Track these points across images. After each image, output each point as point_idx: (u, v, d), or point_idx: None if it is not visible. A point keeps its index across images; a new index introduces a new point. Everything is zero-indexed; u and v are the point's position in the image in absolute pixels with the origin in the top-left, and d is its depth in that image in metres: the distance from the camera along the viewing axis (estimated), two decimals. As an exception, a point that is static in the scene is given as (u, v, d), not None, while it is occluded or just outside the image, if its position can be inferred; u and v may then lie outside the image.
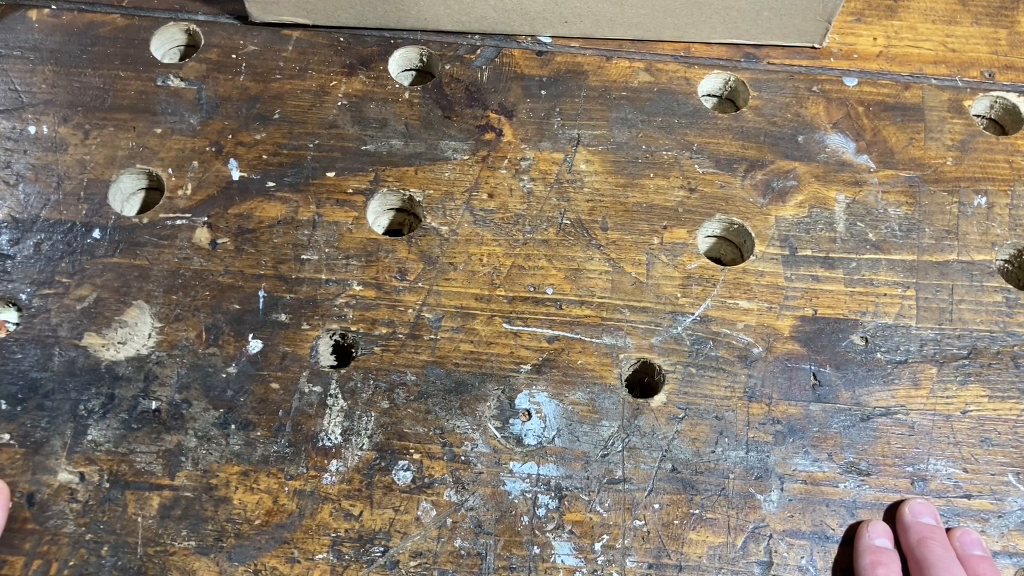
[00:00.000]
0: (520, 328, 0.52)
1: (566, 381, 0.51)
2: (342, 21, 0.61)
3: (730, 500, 0.48)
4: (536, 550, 0.46)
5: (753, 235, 0.56)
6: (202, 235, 0.54)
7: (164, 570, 0.45)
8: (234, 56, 0.60)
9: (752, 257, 0.55)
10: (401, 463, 0.48)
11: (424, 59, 0.62)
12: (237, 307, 0.52)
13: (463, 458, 0.48)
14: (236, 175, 0.56)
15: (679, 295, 0.54)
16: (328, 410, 0.49)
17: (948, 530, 0.47)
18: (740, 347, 0.52)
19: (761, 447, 0.50)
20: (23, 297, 0.51)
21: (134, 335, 0.51)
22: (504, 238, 0.55)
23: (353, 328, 0.51)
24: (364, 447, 0.48)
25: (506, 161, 0.57)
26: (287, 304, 0.52)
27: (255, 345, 0.51)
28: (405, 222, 0.58)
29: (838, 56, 0.63)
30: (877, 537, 0.46)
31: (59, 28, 0.60)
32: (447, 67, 0.61)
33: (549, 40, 0.62)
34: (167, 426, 0.48)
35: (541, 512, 0.47)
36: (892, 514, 0.48)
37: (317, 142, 0.57)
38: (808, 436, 0.50)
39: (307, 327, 0.51)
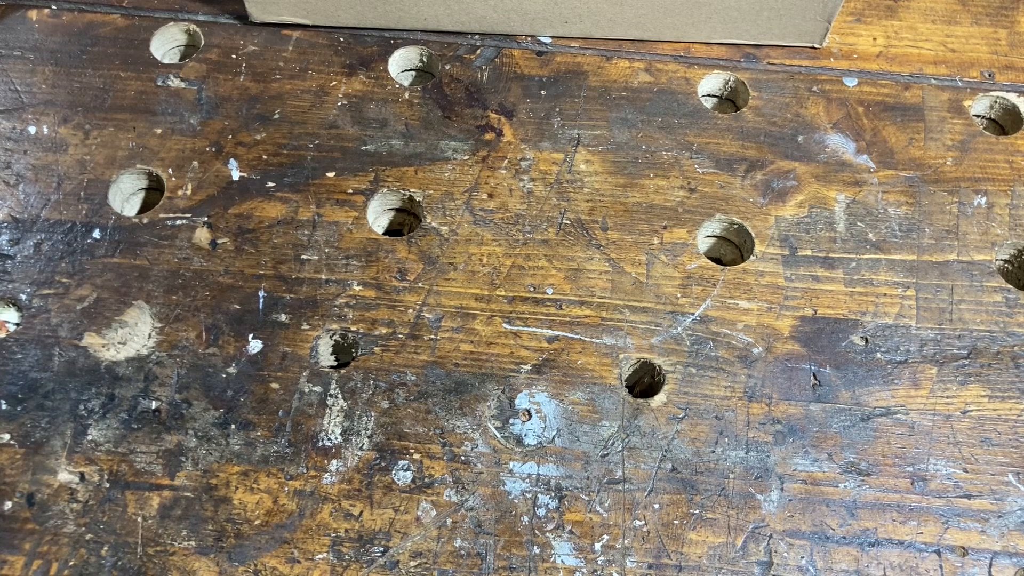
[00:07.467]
0: (520, 328, 0.52)
1: (566, 381, 0.51)
2: (342, 21, 0.61)
3: (730, 500, 0.48)
4: (536, 550, 0.46)
5: (753, 235, 0.56)
6: (202, 235, 0.54)
7: (164, 570, 0.45)
8: (234, 56, 0.60)
9: (752, 257, 0.55)
10: (401, 463, 0.48)
11: (424, 59, 0.62)
12: (237, 307, 0.52)
13: (463, 458, 0.48)
14: (236, 175, 0.56)
15: (679, 295, 0.54)
16: (328, 410, 0.49)
17: None
18: (740, 347, 0.52)
19: (761, 447, 0.50)
20: (23, 297, 0.51)
21: (134, 335, 0.51)
22: (504, 238, 0.55)
23: (353, 328, 0.51)
24: (364, 447, 0.48)
25: (506, 161, 0.57)
26: (287, 304, 0.52)
27: (255, 345, 0.51)
28: (405, 222, 0.58)
29: (838, 56, 0.63)
30: None
31: (59, 28, 0.60)
32: (447, 67, 0.61)
33: (549, 40, 0.62)
34: (167, 426, 0.48)
35: (541, 512, 0.47)
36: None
37: (317, 142, 0.57)
38: (808, 436, 0.50)
39: (307, 327, 0.51)
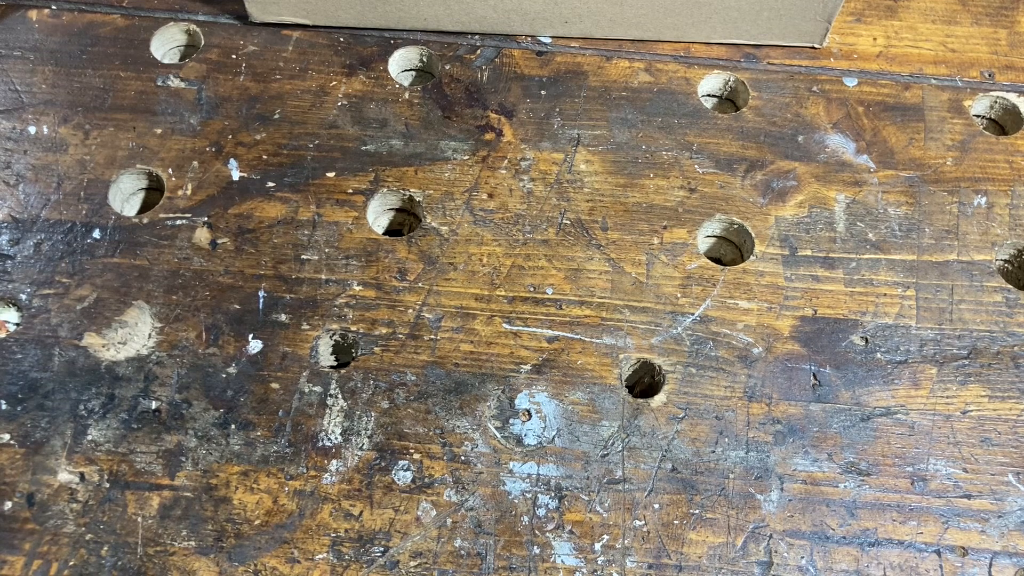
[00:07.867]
0: (520, 328, 0.52)
1: (566, 381, 0.51)
2: (342, 21, 0.61)
3: (730, 500, 0.48)
4: (536, 550, 0.46)
5: (753, 235, 0.56)
6: (202, 235, 0.54)
7: (164, 570, 0.45)
8: (234, 56, 0.60)
9: (752, 257, 0.55)
10: (401, 463, 0.48)
11: (424, 59, 0.62)
12: (237, 307, 0.52)
13: (463, 458, 0.48)
14: (236, 175, 0.56)
15: (679, 295, 0.54)
16: (328, 410, 0.49)
17: None
18: (740, 347, 0.52)
19: (761, 447, 0.50)
20: (23, 297, 0.51)
21: (134, 335, 0.51)
22: (504, 238, 0.55)
23: (353, 328, 0.51)
24: (364, 447, 0.48)
25: (506, 161, 0.57)
26: (287, 304, 0.52)
27: (255, 345, 0.51)
28: (405, 222, 0.58)
29: (838, 56, 0.63)
30: None
31: (59, 28, 0.60)
32: (447, 67, 0.61)
33: (549, 40, 0.62)
34: (167, 426, 0.48)
35: (541, 512, 0.47)
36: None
37: (317, 142, 0.57)
38: (808, 436, 0.50)
39: (307, 327, 0.51)
